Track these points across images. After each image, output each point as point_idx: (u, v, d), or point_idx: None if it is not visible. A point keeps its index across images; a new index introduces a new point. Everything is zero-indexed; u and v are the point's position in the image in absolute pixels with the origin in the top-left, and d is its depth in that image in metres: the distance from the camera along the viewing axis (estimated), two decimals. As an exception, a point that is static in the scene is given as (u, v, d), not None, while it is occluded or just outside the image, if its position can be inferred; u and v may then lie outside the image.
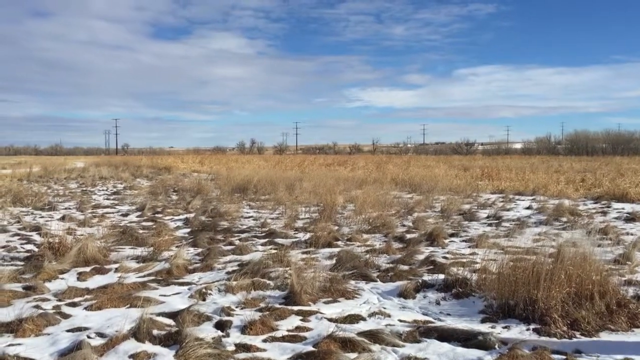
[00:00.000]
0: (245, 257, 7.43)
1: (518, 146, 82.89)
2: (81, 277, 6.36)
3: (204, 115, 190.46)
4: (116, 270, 6.66)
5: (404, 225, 10.69)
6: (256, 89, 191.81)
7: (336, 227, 10.17)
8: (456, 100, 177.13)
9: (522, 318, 4.75)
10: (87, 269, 6.65)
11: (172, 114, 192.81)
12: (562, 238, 9.05)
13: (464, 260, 7.16)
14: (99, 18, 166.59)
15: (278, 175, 20.57)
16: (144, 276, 6.39)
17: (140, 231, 9.69)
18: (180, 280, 6.25)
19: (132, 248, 8.13)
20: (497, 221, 11.20)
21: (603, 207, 13.63)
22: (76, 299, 5.48)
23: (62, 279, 6.31)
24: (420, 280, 5.95)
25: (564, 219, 11.40)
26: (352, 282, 6.11)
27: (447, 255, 7.55)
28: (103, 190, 19.86)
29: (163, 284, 6.09)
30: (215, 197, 15.94)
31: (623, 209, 13.18)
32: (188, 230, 10.14)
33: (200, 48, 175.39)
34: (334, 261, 6.99)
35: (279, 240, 8.83)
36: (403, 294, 5.59)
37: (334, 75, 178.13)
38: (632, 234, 9.31)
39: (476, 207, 13.64)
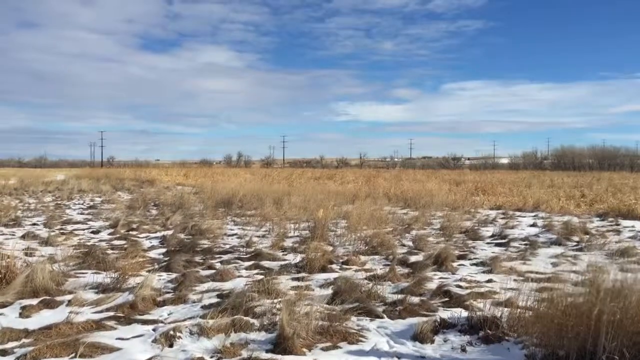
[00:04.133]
0: (227, 285, 6.35)
1: (505, 161, 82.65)
2: (24, 312, 5.20)
3: (191, 128, 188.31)
4: (69, 303, 5.49)
5: (404, 245, 9.67)
6: (244, 102, 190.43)
7: (330, 248, 9.11)
8: (443, 115, 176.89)
9: (577, 374, 3.73)
10: (34, 302, 5.48)
11: (159, 127, 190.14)
12: (582, 261, 8.13)
13: (482, 289, 6.15)
14: (87, 30, 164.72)
15: (265, 189, 19.51)
16: (102, 311, 5.26)
17: (109, 251, 8.55)
18: (145, 317, 5.13)
19: (94, 273, 6.97)
20: (504, 241, 10.23)
21: (612, 225, 12.78)
22: (9, 345, 4.34)
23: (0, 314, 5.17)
24: (438, 319, 4.88)
25: (576, 239, 10.50)
26: (354, 318, 5.05)
27: (461, 284, 6.52)
28: (79, 204, 18.63)
29: (123, 322, 4.97)
30: (198, 212, 14.78)
31: (634, 227, 12.34)
32: (163, 250, 9.02)
33: (189, 61, 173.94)
34: (330, 291, 5.93)
35: (266, 263, 7.76)
36: (418, 337, 4.53)
37: (322, 89, 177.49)
38: (657, 257, 8.36)
39: (477, 225, 12.70)
